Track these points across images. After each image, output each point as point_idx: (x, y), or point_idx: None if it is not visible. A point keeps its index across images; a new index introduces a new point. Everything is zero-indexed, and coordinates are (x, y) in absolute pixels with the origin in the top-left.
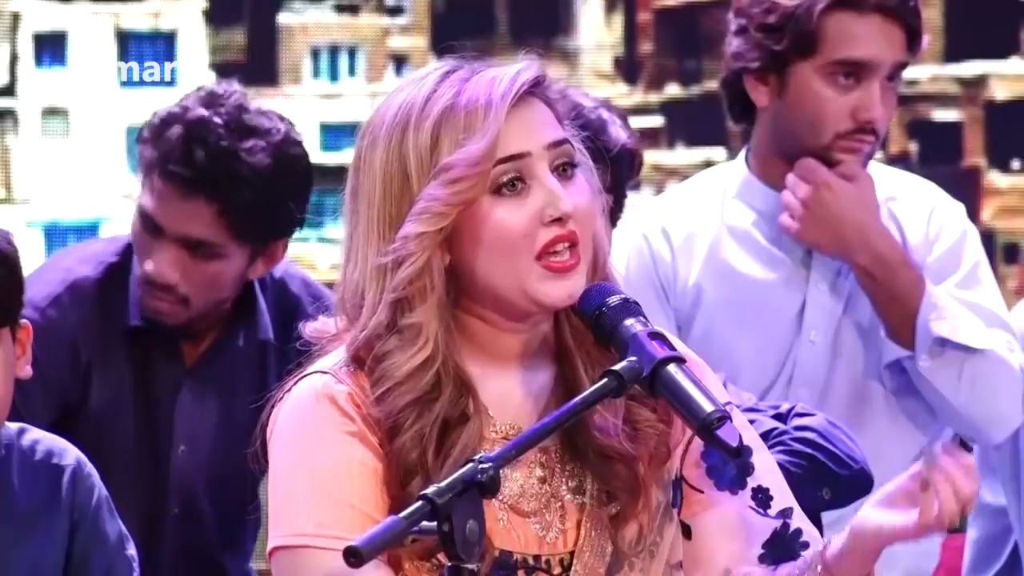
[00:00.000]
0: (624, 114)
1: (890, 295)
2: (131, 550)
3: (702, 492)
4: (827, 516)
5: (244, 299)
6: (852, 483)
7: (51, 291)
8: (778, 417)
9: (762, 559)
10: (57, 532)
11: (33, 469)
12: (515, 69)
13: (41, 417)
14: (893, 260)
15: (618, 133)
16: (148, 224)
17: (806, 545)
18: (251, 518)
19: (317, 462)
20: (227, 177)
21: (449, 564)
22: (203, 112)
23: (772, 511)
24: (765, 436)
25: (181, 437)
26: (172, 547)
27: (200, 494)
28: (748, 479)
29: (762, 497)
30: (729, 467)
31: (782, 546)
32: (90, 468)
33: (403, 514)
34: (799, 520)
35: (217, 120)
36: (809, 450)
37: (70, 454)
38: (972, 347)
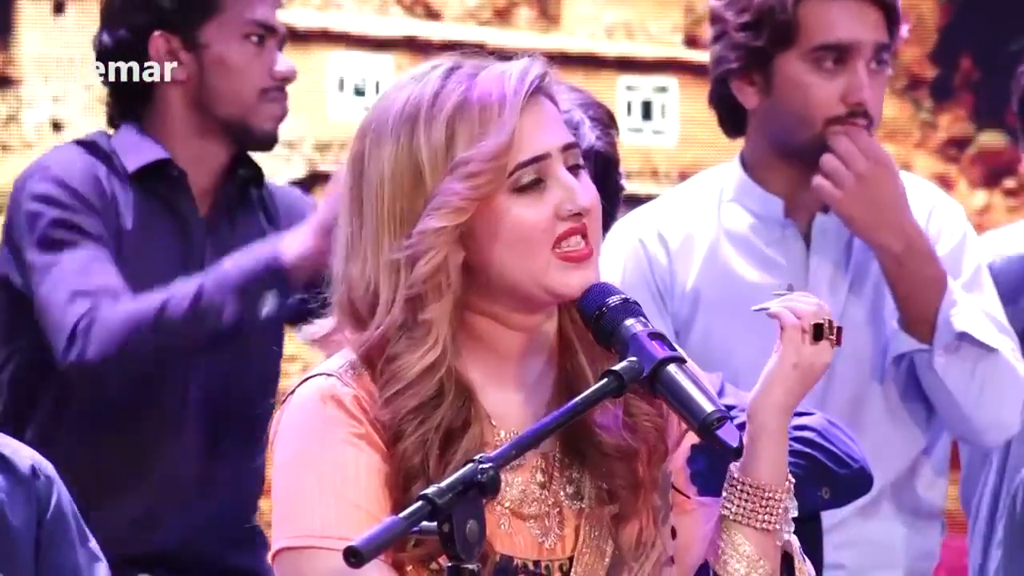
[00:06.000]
0: (610, 113)
1: (914, 285)
2: (92, 543)
3: (687, 496)
4: (827, 516)
5: None
6: (852, 482)
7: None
8: None
9: None
10: (26, 525)
11: None
12: (522, 65)
13: None
14: (923, 251)
15: (588, 135)
16: None
17: None
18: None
19: (324, 463)
20: None
21: (449, 564)
22: None
23: None
24: None
25: None
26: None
27: None
28: None
29: None
30: (714, 476)
31: None
32: (49, 470)
33: (403, 514)
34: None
35: None
36: (808, 449)
37: (25, 453)
38: (989, 345)
